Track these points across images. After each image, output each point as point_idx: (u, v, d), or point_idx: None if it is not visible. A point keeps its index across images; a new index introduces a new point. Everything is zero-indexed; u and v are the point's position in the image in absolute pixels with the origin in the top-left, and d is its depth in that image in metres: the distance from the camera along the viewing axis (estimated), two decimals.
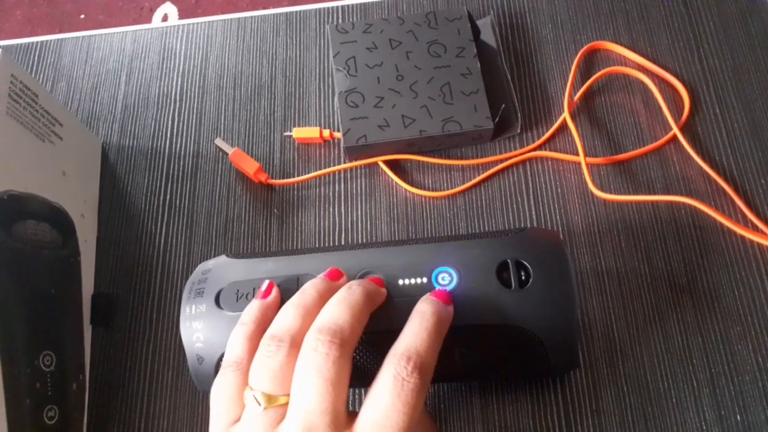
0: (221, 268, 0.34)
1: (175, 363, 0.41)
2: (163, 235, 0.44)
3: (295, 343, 0.27)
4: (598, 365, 0.39)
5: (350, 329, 0.27)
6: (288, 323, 0.28)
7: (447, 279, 0.31)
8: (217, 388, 0.28)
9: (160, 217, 0.45)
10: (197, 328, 0.32)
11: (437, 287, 0.31)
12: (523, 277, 0.31)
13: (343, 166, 0.45)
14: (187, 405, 0.40)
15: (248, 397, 0.27)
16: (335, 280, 0.30)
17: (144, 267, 0.44)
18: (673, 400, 0.37)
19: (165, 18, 1.34)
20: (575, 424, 0.37)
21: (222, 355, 0.31)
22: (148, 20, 1.34)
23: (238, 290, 0.32)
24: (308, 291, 0.29)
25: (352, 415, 0.26)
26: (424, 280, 0.31)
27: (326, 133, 0.46)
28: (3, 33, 1.36)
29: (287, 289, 0.31)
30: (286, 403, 0.26)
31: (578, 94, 0.46)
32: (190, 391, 0.40)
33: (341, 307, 0.27)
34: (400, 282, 0.31)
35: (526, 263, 0.31)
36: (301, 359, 0.26)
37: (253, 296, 0.31)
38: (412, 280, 0.31)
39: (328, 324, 0.27)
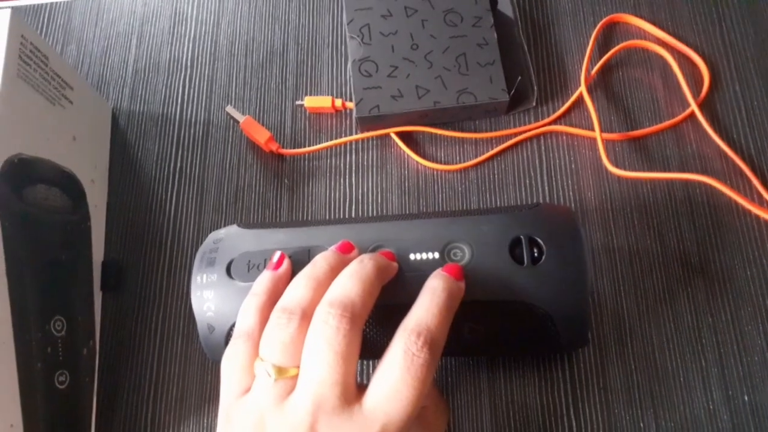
0: (232, 238, 0.34)
1: (184, 330, 0.41)
2: (174, 202, 0.44)
3: (306, 316, 0.27)
4: (606, 343, 0.39)
5: (361, 303, 0.27)
6: (299, 295, 0.28)
7: (459, 254, 0.31)
8: (227, 359, 0.28)
9: (170, 184, 0.45)
10: (208, 298, 0.32)
11: (449, 262, 0.31)
12: (536, 254, 0.31)
13: (354, 137, 0.44)
14: (196, 372, 0.40)
15: (259, 368, 0.27)
16: (346, 253, 0.30)
17: (154, 234, 0.43)
18: (681, 379, 0.37)
19: None
20: (582, 400, 0.37)
21: (233, 325, 0.31)
22: None
23: (249, 261, 0.32)
24: (319, 263, 0.29)
25: (361, 387, 0.26)
26: (436, 255, 0.31)
27: (338, 102, 0.45)
28: None
29: (298, 260, 0.31)
30: (297, 375, 0.26)
31: (596, 68, 0.45)
32: (199, 359, 0.40)
33: (353, 281, 0.27)
34: (412, 256, 0.31)
35: (539, 240, 0.31)
36: (311, 332, 0.26)
37: (265, 267, 0.31)
38: (424, 255, 0.31)
39: (339, 297, 0.27)
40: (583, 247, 0.31)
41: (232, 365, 0.28)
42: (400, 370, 0.25)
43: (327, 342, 0.25)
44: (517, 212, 0.32)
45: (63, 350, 0.37)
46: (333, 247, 0.30)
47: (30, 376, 0.34)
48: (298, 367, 0.26)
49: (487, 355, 0.39)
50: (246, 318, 0.29)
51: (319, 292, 0.28)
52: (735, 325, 0.38)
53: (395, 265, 0.30)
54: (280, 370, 0.26)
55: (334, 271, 0.29)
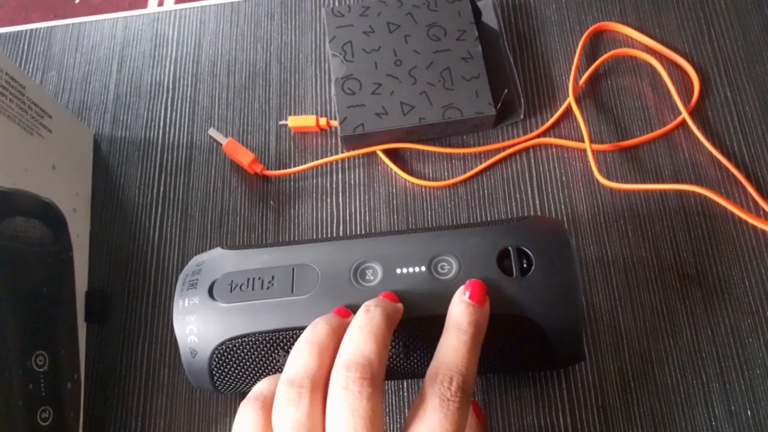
0: (215, 260, 0.33)
1: (170, 360, 0.40)
2: (158, 228, 0.43)
3: (317, 386, 0.25)
4: (604, 359, 0.37)
5: (378, 360, 0.25)
6: (304, 364, 0.26)
7: (446, 267, 0.30)
8: (239, 427, 0.26)
9: (154, 210, 0.44)
10: (190, 321, 0.31)
11: (436, 276, 0.30)
12: (525, 265, 0.30)
13: (340, 155, 0.43)
14: (183, 403, 0.39)
15: None
16: (344, 317, 0.29)
17: (138, 262, 0.43)
18: (682, 395, 0.36)
19: (161, 2, 1.32)
20: (581, 420, 0.36)
21: (215, 348, 0.31)
22: (144, 5, 1.31)
23: (232, 281, 0.31)
24: (319, 326, 0.27)
25: None
26: (423, 268, 0.30)
27: (323, 121, 0.44)
28: None
29: (282, 279, 0.31)
30: None
31: (583, 77, 0.45)
32: (186, 388, 0.39)
33: (364, 336, 0.26)
34: (398, 271, 0.30)
35: (527, 250, 0.30)
36: (332, 401, 0.25)
37: (248, 287, 0.30)
38: (410, 269, 0.30)
39: (355, 358, 0.25)
40: (572, 256, 0.30)
41: None
42: (438, 419, 0.25)
43: (351, 409, 0.24)
44: (505, 224, 0.32)
45: (45, 386, 0.36)
46: (330, 313, 0.29)
47: (10, 414, 0.33)
48: None
49: (480, 372, 0.38)
50: (261, 381, 0.28)
51: (324, 357, 0.26)
52: (735, 337, 0.37)
53: (401, 306, 0.29)
54: None
55: (336, 332, 0.27)
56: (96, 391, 0.40)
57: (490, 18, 0.47)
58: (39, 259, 0.37)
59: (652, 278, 0.39)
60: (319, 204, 0.43)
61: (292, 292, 0.31)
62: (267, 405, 0.26)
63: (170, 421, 0.38)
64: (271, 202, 0.43)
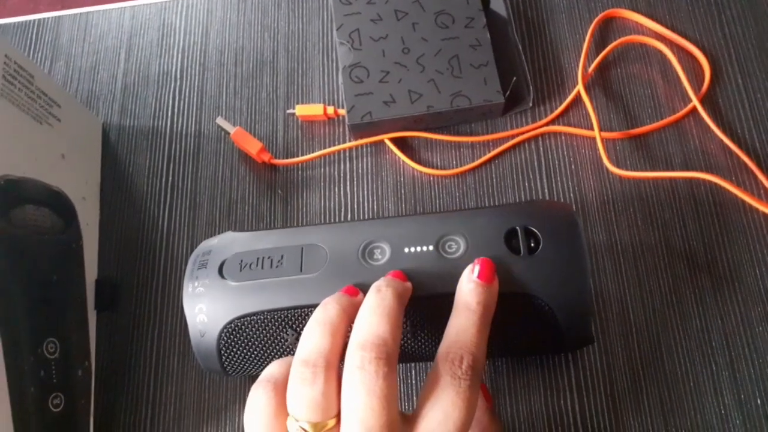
0: (226, 242, 0.33)
1: (180, 347, 0.40)
2: (166, 217, 0.43)
3: (331, 365, 0.26)
4: (613, 347, 0.37)
5: (392, 339, 0.26)
6: (318, 344, 0.26)
7: (454, 246, 0.30)
8: (251, 412, 0.27)
9: (162, 198, 0.44)
10: (200, 301, 0.31)
11: (444, 255, 0.30)
12: (533, 245, 0.30)
13: (348, 144, 0.43)
14: (193, 391, 0.39)
15: (292, 426, 0.25)
16: (353, 296, 0.29)
17: (147, 250, 0.43)
18: (691, 384, 0.36)
19: None
20: (589, 408, 0.36)
21: (224, 327, 0.31)
22: None
23: (241, 260, 0.32)
24: (330, 306, 0.28)
25: (404, 416, 0.26)
26: (430, 247, 0.30)
27: (330, 110, 0.44)
28: (5, 10, 1.34)
29: (291, 259, 0.31)
30: (335, 426, 0.25)
31: (593, 65, 0.44)
32: (196, 376, 0.39)
33: (377, 316, 0.26)
34: (406, 250, 0.30)
35: (535, 230, 0.30)
36: (348, 380, 0.25)
37: (257, 266, 0.31)
38: (418, 248, 0.30)
39: (370, 338, 0.26)
40: (580, 235, 0.30)
41: (257, 421, 0.26)
42: (450, 397, 0.25)
43: (368, 389, 0.24)
44: (513, 205, 0.32)
45: (57, 373, 0.36)
46: (338, 292, 0.29)
47: (23, 400, 0.33)
48: (335, 417, 0.25)
49: (488, 355, 0.37)
50: (272, 364, 0.28)
51: (336, 337, 0.27)
52: (745, 326, 0.37)
53: (409, 285, 0.29)
54: (317, 426, 0.25)
55: (346, 312, 0.27)
56: (106, 379, 0.40)
57: (498, 5, 0.46)
58: (49, 248, 0.38)
59: (661, 266, 0.39)
60: (327, 193, 0.43)
61: (301, 270, 0.31)
62: (279, 387, 0.26)
63: (180, 408, 0.39)
64: (279, 191, 0.43)
